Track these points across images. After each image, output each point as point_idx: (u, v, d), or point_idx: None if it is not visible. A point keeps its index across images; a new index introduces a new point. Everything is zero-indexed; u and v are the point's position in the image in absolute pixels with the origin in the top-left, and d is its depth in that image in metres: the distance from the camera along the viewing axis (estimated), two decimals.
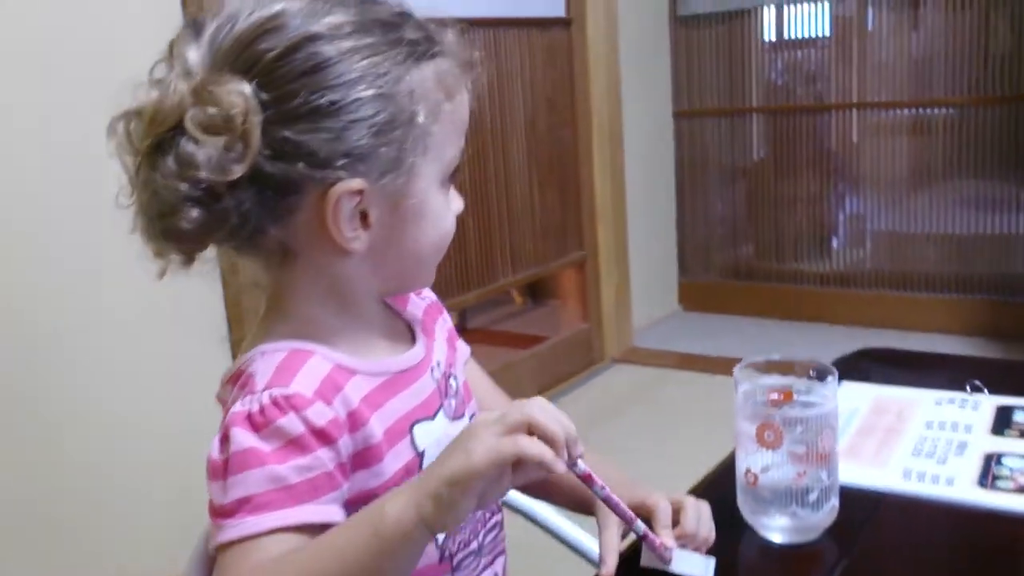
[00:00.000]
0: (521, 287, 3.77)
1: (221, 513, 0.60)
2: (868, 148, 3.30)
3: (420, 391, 0.72)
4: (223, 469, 0.61)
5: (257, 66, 0.61)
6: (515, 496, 0.94)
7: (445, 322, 0.85)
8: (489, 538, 0.79)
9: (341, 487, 0.64)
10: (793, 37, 3.37)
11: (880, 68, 3.19)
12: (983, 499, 0.84)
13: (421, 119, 0.65)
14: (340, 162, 0.62)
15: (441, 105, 0.67)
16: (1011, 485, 0.86)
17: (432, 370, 0.75)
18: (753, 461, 0.80)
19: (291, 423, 0.61)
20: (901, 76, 3.16)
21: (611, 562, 0.71)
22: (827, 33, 3.28)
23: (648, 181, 3.42)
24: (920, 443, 0.96)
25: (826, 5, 3.24)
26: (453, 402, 0.77)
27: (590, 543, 0.98)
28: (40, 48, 1.51)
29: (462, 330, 3.55)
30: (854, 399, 1.09)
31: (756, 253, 3.59)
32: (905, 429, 1.00)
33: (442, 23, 0.71)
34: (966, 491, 0.86)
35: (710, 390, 2.85)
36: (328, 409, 0.63)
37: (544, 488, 0.87)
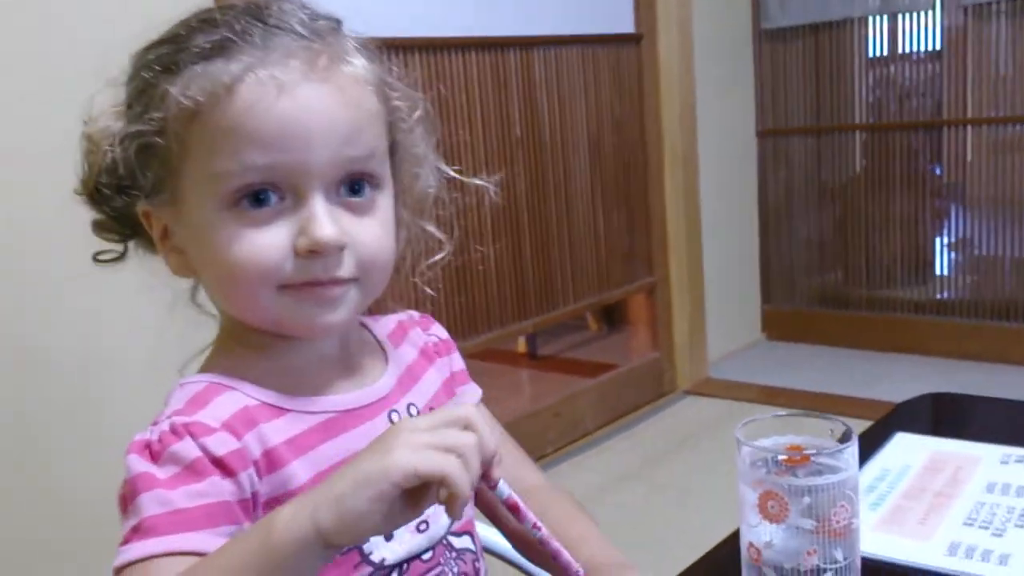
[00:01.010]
0: (598, 314, 3.66)
1: (122, 539, 0.57)
2: (973, 167, 3.07)
3: (366, 434, 0.65)
4: (123, 501, 0.59)
5: None
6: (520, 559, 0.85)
7: (451, 363, 0.79)
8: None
9: (240, 524, 0.58)
10: (887, 50, 3.18)
11: (991, 81, 2.97)
12: None
13: (164, 132, 0.61)
14: (130, 174, 0.64)
15: (189, 118, 0.60)
16: None
17: (393, 412, 0.69)
18: (756, 535, 0.69)
19: (185, 448, 0.58)
20: (1014, 90, 2.92)
21: None
22: (926, 46, 3.08)
23: (728, 204, 3.27)
24: (975, 510, 0.83)
25: (936, 15, 3.04)
26: None
27: None
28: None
29: (531, 356, 3.47)
30: (906, 454, 0.96)
31: (846, 279, 3.38)
32: (960, 492, 0.87)
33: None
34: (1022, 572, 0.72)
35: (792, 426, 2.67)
36: (233, 440, 0.59)
37: (540, 558, 0.78)
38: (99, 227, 0.69)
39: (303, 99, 0.60)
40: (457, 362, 0.81)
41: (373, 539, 0.64)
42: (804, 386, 2.95)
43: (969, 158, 3.07)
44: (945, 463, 0.93)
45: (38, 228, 1.45)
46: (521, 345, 3.50)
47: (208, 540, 0.56)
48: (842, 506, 0.67)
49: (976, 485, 0.88)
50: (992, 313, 3.06)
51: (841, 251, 3.37)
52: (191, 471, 0.57)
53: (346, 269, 0.63)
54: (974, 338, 3.05)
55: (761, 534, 0.68)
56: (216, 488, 0.58)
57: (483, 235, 2.32)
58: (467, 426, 0.52)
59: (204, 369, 0.67)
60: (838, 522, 0.67)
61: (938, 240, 3.20)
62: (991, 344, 3.01)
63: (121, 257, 0.69)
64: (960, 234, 3.15)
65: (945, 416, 1.09)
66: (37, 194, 1.30)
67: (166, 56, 0.62)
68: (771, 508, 0.68)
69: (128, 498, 0.58)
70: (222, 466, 0.58)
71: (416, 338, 0.78)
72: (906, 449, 0.97)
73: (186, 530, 0.56)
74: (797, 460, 0.70)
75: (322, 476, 0.62)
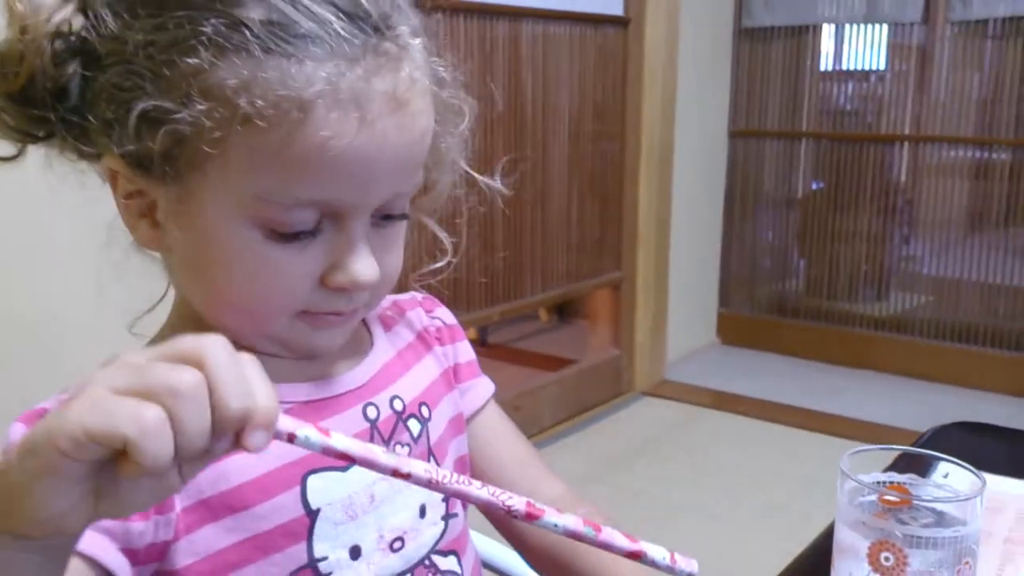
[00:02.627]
0: (548, 305, 3.56)
1: None
2: (929, 186, 3.06)
3: (333, 429, 0.53)
4: None
5: None
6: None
7: (455, 353, 0.69)
8: None
9: (124, 521, 0.49)
10: (867, 62, 3.14)
11: (943, 103, 2.96)
12: None
13: (188, 116, 0.47)
14: (107, 124, 0.50)
15: (241, 123, 0.47)
16: None
17: (369, 406, 0.58)
18: None
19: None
20: (985, 110, 2.91)
21: None
22: (904, 61, 3.04)
23: (695, 202, 3.20)
24: None
25: (918, 29, 3.00)
26: (402, 450, 0.59)
27: None
28: None
29: (481, 344, 3.35)
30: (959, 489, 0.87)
31: (805, 289, 3.35)
32: None
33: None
34: None
35: (744, 434, 2.62)
36: None
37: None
38: (1, 121, 0.53)
39: (380, 133, 0.50)
40: (464, 352, 0.70)
41: (332, 557, 0.54)
42: (759, 394, 2.90)
43: (931, 177, 3.06)
44: (1003, 503, 0.84)
45: None
46: (471, 332, 3.37)
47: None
48: (966, 563, 0.57)
49: None
50: (952, 335, 3.05)
51: (802, 261, 3.34)
52: None
53: (365, 299, 0.56)
54: (934, 358, 3.05)
55: None
56: None
57: (454, 216, 2.18)
58: (192, 361, 0.36)
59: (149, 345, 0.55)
60: None
61: (901, 257, 3.19)
62: (951, 366, 3.00)
63: (16, 157, 0.54)
64: (922, 251, 3.15)
65: (978, 449, 1.01)
66: None
67: (211, 16, 0.47)
68: (884, 561, 0.57)
69: None
70: None
71: (415, 320, 0.68)
72: (957, 483, 0.88)
73: None
74: (897, 502, 0.60)
75: (271, 478, 0.53)
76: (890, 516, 0.59)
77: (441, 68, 0.57)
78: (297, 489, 0.53)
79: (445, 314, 0.71)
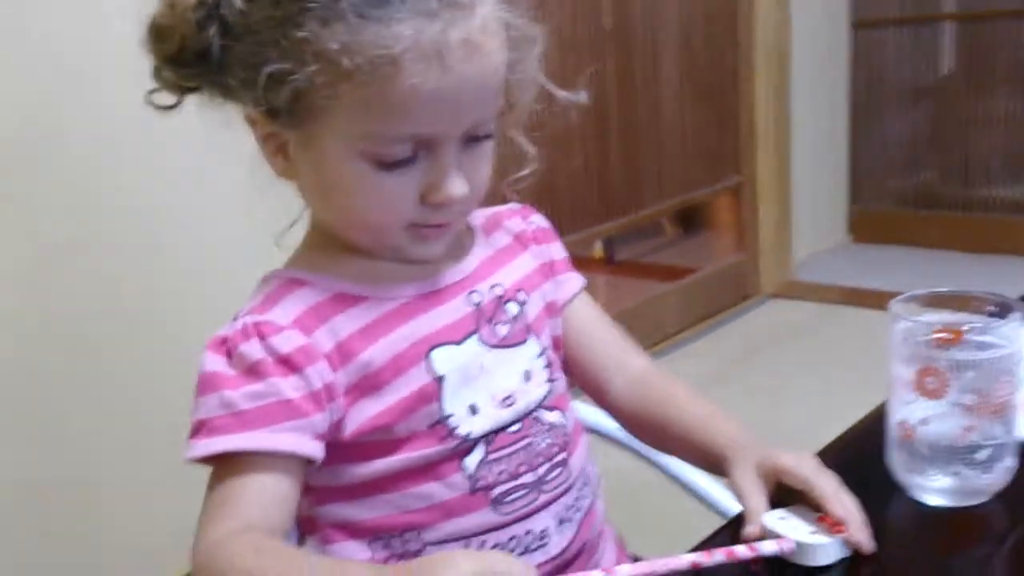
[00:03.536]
0: (673, 217, 3.60)
1: (190, 431, 0.63)
2: None
3: (444, 315, 0.69)
4: (196, 391, 0.64)
5: None
6: (631, 439, 0.85)
7: (550, 251, 0.80)
8: (553, 474, 0.72)
9: (309, 416, 0.63)
10: None
11: None
12: None
13: (305, 75, 0.59)
14: (243, 82, 0.62)
15: (345, 79, 0.59)
16: None
17: (473, 293, 0.70)
18: (910, 412, 0.67)
19: (251, 349, 0.63)
20: None
21: (757, 525, 0.63)
22: None
23: (818, 100, 3.13)
24: None
25: None
26: (503, 328, 0.71)
27: (720, 495, 0.89)
28: None
29: (609, 261, 3.45)
30: None
31: (940, 178, 3.24)
32: None
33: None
34: None
35: (881, 328, 2.61)
36: (301, 337, 0.64)
37: (663, 439, 0.79)
38: (160, 75, 0.66)
39: (459, 75, 0.61)
40: (558, 251, 0.81)
41: (458, 413, 0.67)
42: (894, 288, 2.84)
43: None
44: None
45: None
46: (598, 251, 3.47)
47: (265, 438, 0.62)
48: (1004, 381, 0.65)
49: None
50: None
51: (936, 150, 3.22)
52: (252, 372, 0.62)
53: (460, 210, 0.68)
54: None
55: (916, 411, 0.67)
56: (274, 388, 0.62)
57: (569, 134, 2.27)
58: None
59: (290, 263, 0.71)
60: (999, 398, 0.65)
61: None
62: None
63: (176, 106, 0.68)
64: None
65: None
66: None
67: None
68: (929, 384, 0.66)
69: (198, 392, 0.64)
70: (287, 363, 0.63)
71: (512, 226, 0.79)
72: None
73: (243, 430, 0.61)
74: (950, 339, 0.68)
75: (402, 356, 0.66)
76: (941, 351, 0.67)
77: (509, 7, 0.66)
78: (423, 363, 0.67)
79: (540, 219, 0.81)
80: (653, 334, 2.54)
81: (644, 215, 2.58)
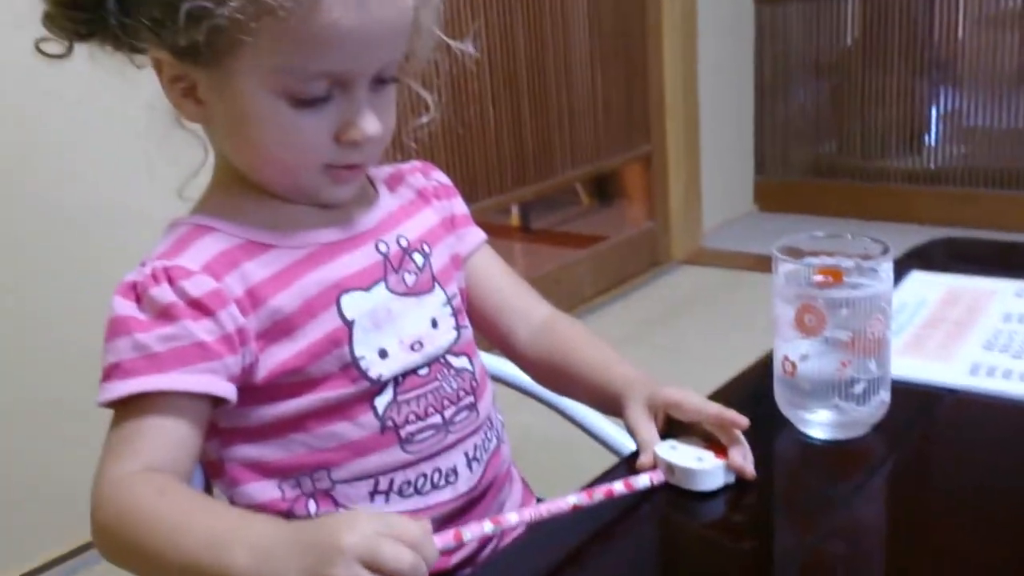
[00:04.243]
0: (589, 187, 3.65)
1: (102, 375, 0.63)
2: (972, 38, 3.01)
3: (353, 262, 0.70)
4: (106, 336, 0.64)
5: None
6: (534, 385, 0.88)
7: (452, 207, 0.82)
8: (461, 416, 0.74)
9: (222, 358, 0.64)
10: None
11: None
12: None
13: (226, 11, 0.59)
14: (156, 22, 0.61)
15: (267, 13, 0.59)
16: None
17: (380, 243, 0.72)
18: (791, 349, 0.71)
19: (162, 293, 0.63)
20: None
21: (649, 454, 0.67)
22: None
23: (725, 73, 3.21)
24: (994, 336, 0.85)
25: None
26: (410, 277, 0.73)
27: (617, 435, 0.92)
28: None
29: (525, 229, 3.48)
30: (923, 290, 0.98)
31: (839, 149, 3.37)
32: (977, 321, 0.89)
33: None
34: None
35: None
36: (211, 281, 0.64)
37: (564, 384, 0.82)
38: (53, 21, 0.65)
39: (376, 14, 0.62)
40: (459, 206, 0.83)
41: (368, 356, 0.69)
42: None
43: (958, 28, 3.01)
44: (960, 297, 0.96)
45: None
46: (515, 218, 3.50)
47: (179, 378, 0.62)
48: (877, 318, 0.69)
49: (993, 315, 0.90)
50: (985, 181, 3.07)
51: (836, 121, 3.35)
52: (164, 315, 0.63)
53: (371, 151, 0.69)
54: (968, 205, 3.08)
55: (797, 348, 0.70)
56: (186, 331, 0.63)
57: (482, 98, 2.28)
58: (411, 545, 0.52)
59: (197, 209, 0.71)
60: (872, 334, 0.69)
61: (930, 111, 3.18)
62: (985, 211, 3.03)
63: (67, 54, 0.66)
64: (950, 105, 3.13)
65: (958, 257, 1.11)
66: None
67: None
68: (808, 321, 0.69)
69: (108, 336, 0.64)
70: (199, 306, 0.63)
71: (415, 181, 0.80)
72: (921, 285, 0.99)
73: (158, 371, 0.62)
74: (830, 283, 0.71)
75: (312, 302, 0.67)
76: (819, 291, 0.71)
77: None
78: (334, 307, 0.68)
79: (440, 176, 0.83)
80: (569, 299, 2.59)
81: (556, 181, 2.61)
